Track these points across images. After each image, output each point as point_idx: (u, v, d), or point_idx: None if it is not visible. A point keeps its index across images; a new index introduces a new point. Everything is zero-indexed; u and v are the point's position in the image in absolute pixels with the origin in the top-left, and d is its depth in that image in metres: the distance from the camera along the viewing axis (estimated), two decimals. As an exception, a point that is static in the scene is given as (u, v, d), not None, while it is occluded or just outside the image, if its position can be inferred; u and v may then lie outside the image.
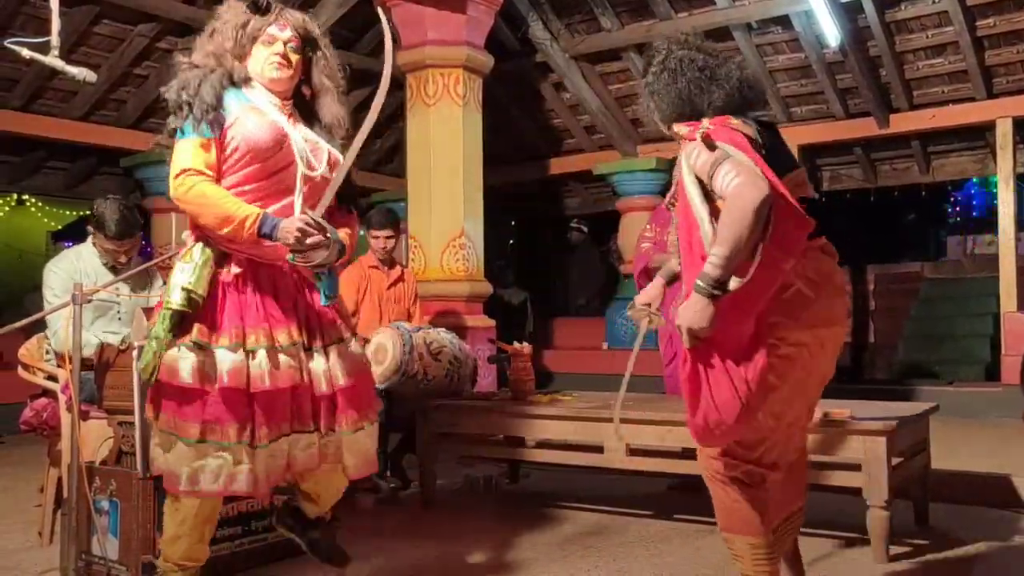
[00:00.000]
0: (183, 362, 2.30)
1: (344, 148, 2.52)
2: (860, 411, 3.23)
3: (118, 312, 3.59)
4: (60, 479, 3.26)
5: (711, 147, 2.16)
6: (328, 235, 2.31)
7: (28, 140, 7.82)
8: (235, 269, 2.42)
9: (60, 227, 12.02)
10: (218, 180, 2.38)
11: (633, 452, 3.62)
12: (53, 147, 8.24)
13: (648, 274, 4.56)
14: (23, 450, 5.74)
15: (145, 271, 3.63)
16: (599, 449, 3.71)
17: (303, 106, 2.59)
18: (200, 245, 2.41)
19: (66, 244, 10.19)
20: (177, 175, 2.36)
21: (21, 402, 3.61)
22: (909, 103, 7.88)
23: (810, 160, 8.62)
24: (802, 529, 3.38)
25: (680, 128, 2.33)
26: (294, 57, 2.51)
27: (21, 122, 7.27)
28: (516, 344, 4.30)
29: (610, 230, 10.22)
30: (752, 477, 2.32)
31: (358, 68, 8.38)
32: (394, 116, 9.34)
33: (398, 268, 4.84)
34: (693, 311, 2.11)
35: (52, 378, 3.44)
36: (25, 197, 11.04)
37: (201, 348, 2.32)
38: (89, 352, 3.18)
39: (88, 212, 3.71)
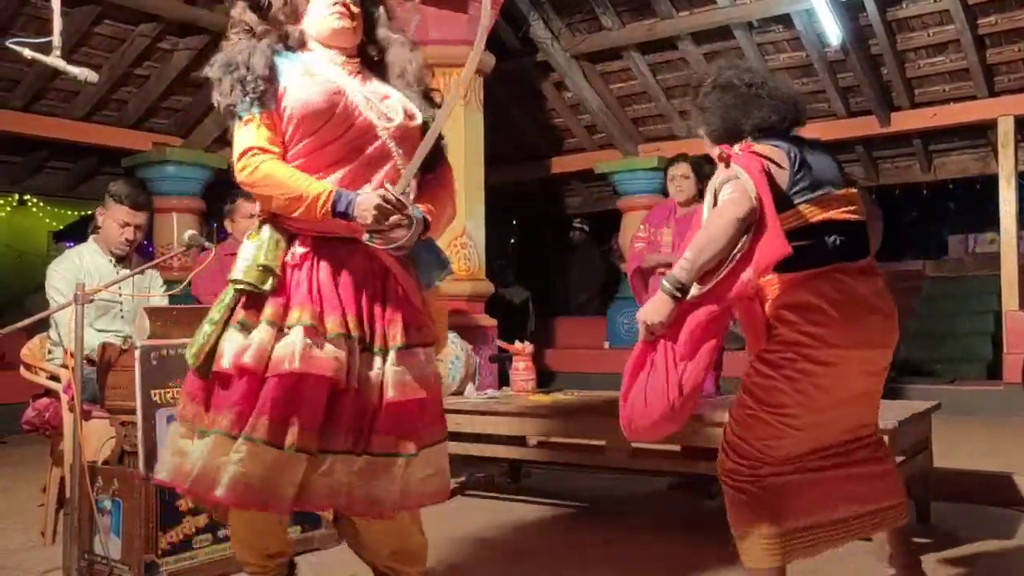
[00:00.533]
0: (226, 344, 2.09)
1: (427, 103, 2.31)
2: (862, 410, 3.22)
3: (120, 311, 3.60)
4: (62, 479, 3.27)
5: (727, 166, 2.31)
6: (408, 212, 2.07)
7: (30, 140, 7.82)
8: (299, 249, 2.17)
9: (61, 227, 12.03)
10: (284, 156, 2.15)
11: (635, 452, 3.62)
12: (55, 147, 8.25)
13: (642, 274, 4.55)
14: (25, 450, 5.75)
15: (145, 271, 3.64)
16: (600, 449, 3.71)
17: (373, 67, 2.33)
18: (268, 225, 2.20)
19: (67, 244, 10.20)
20: (239, 158, 2.13)
21: (23, 402, 3.62)
22: (910, 101, 7.87)
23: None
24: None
25: (713, 151, 2.48)
26: (355, 8, 2.25)
27: (23, 122, 7.28)
28: (517, 343, 4.31)
29: (611, 229, 10.23)
30: (759, 478, 2.34)
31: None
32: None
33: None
34: (653, 306, 2.28)
35: (54, 378, 3.44)
36: (27, 197, 11.05)
37: (247, 329, 2.10)
38: (90, 350, 3.19)
39: (89, 212, 3.72)
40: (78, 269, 3.52)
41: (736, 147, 2.39)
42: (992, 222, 8.51)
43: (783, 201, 2.32)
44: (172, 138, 8.05)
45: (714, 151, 2.47)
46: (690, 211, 4.46)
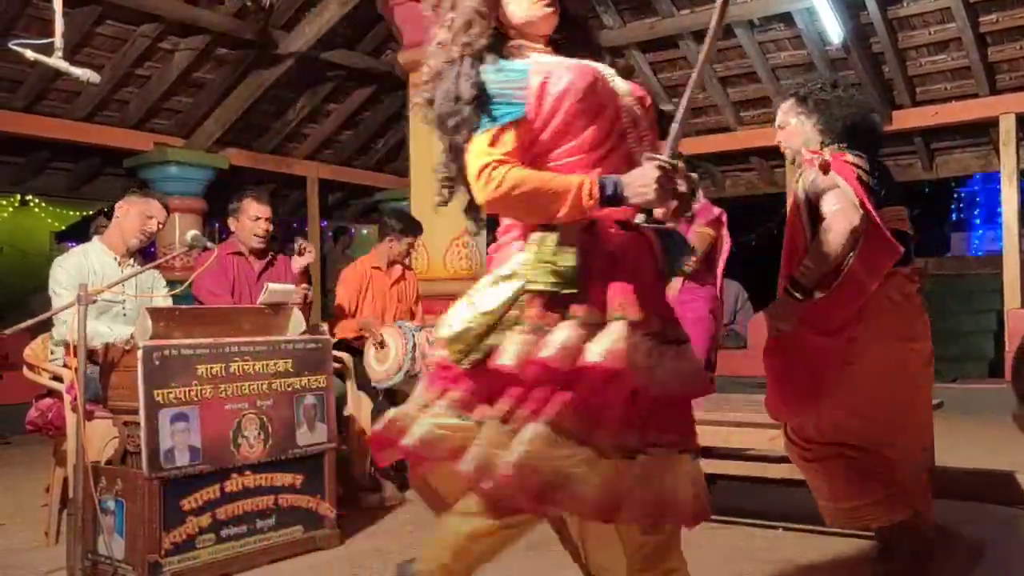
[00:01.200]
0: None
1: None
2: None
3: (123, 310, 3.60)
4: (66, 479, 3.27)
5: (826, 173, 2.60)
6: (689, 175, 1.82)
7: (32, 141, 7.83)
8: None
9: (64, 227, 12.03)
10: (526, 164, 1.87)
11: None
12: (57, 148, 8.26)
13: None
14: (29, 450, 5.76)
15: (147, 269, 3.66)
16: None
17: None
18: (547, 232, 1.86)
19: (70, 244, 10.20)
20: (477, 177, 1.84)
21: (27, 402, 3.63)
22: (912, 100, 7.87)
23: (813, 157, 8.60)
24: (806, 526, 3.41)
25: (805, 153, 2.78)
26: None
27: (25, 123, 7.29)
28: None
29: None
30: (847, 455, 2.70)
31: (360, 68, 8.43)
32: (396, 115, 9.36)
33: (398, 267, 4.83)
34: (778, 308, 2.64)
35: (57, 378, 3.45)
36: (29, 198, 11.06)
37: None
38: (97, 343, 3.19)
39: (91, 213, 3.75)
40: (82, 267, 3.53)
41: (827, 152, 2.68)
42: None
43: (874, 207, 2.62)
44: (173, 138, 8.05)
45: (805, 155, 2.76)
46: None
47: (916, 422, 2.82)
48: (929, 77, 7.71)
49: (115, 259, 3.65)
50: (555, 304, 1.82)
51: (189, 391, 2.92)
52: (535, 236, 1.87)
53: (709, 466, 3.55)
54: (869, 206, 2.55)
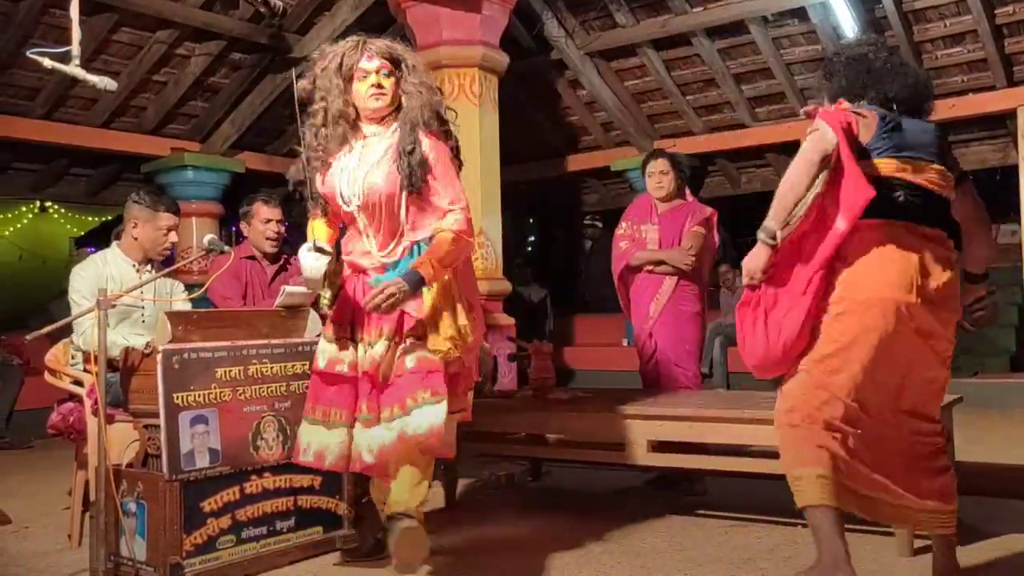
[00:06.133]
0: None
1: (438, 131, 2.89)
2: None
3: (142, 316, 3.63)
4: (87, 482, 3.30)
5: (811, 119, 2.48)
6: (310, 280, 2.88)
7: (51, 148, 7.91)
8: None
9: (83, 233, 12.12)
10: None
11: (655, 448, 3.62)
12: (75, 154, 8.33)
13: (627, 278, 4.46)
14: (51, 454, 5.82)
15: (164, 275, 3.69)
16: (620, 447, 3.71)
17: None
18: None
19: (89, 250, 10.28)
20: None
21: (48, 406, 3.66)
22: (928, 93, 7.80)
23: (829, 152, 8.55)
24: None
25: (809, 108, 2.65)
26: (387, 82, 2.82)
27: (43, 130, 7.36)
28: (536, 342, 4.31)
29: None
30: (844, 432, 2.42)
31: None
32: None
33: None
34: (751, 255, 2.50)
35: (78, 382, 3.48)
36: (48, 204, 11.15)
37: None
38: (115, 353, 3.22)
39: (110, 218, 3.81)
40: (101, 274, 3.57)
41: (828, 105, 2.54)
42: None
43: (860, 153, 2.44)
44: (190, 143, 8.11)
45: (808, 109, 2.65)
46: (673, 207, 4.40)
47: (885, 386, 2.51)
48: (945, 70, 7.65)
49: (134, 266, 3.68)
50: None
51: (208, 394, 2.94)
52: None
53: (733, 464, 3.55)
54: (843, 144, 2.38)
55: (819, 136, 2.38)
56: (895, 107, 2.56)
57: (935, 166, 2.51)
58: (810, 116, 2.51)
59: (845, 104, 2.53)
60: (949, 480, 2.56)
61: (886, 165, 2.45)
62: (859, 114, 2.48)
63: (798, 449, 2.42)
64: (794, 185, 2.39)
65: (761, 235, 2.46)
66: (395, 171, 2.78)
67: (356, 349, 2.87)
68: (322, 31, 7.22)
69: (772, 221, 2.44)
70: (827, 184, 2.39)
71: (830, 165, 2.38)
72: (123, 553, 2.96)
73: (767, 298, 2.52)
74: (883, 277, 2.39)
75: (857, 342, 2.39)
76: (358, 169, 2.83)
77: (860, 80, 2.59)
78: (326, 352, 2.88)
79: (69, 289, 3.57)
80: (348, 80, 2.83)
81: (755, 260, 2.48)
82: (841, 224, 2.37)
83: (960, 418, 3.68)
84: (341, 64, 2.82)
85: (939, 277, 2.43)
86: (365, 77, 2.80)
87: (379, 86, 2.80)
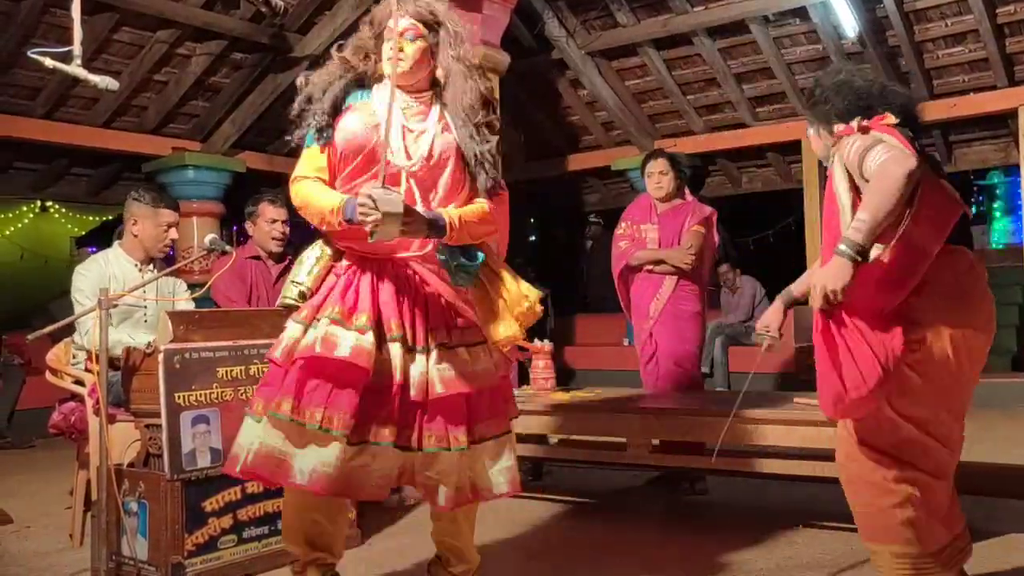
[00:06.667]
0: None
1: (477, 135, 2.45)
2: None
3: (144, 315, 3.64)
4: (89, 481, 3.30)
5: (865, 133, 2.25)
6: (379, 203, 2.14)
7: (51, 147, 7.90)
8: (344, 263, 2.44)
9: (84, 233, 12.13)
10: (331, 183, 2.41)
11: (656, 449, 3.62)
12: (76, 154, 8.33)
13: (627, 277, 4.46)
14: (53, 453, 5.82)
15: (166, 274, 3.69)
16: (621, 446, 3.71)
17: (443, 94, 2.49)
18: (318, 243, 2.48)
19: (90, 249, 10.28)
20: (291, 184, 2.43)
21: (50, 406, 3.66)
22: (929, 92, 7.81)
23: (830, 152, 8.55)
24: (827, 523, 3.39)
25: (839, 126, 2.37)
26: (410, 48, 2.39)
27: (44, 130, 7.35)
28: (537, 342, 4.31)
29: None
30: (917, 482, 2.26)
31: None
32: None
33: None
34: (830, 271, 2.13)
35: (79, 382, 3.49)
36: (49, 204, 11.16)
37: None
38: (119, 352, 3.23)
39: (111, 218, 3.80)
40: (104, 274, 3.58)
41: (861, 121, 2.32)
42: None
43: None
44: (191, 143, 8.11)
45: (839, 128, 2.36)
46: (673, 206, 4.40)
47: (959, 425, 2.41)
48: (946, 69, 7.65)
49: (136, 265, 3.69)
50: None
51: (210, 393, 2.94)
52: (304, 254, 2.48)
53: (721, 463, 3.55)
54: (920, 158, 2.17)
55: (898, 150, 2.15)
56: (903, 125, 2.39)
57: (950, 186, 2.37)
58: (862, 129, 2.27)
59: (890, 119, 2.30)
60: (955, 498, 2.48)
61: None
62: (905, 135, 2.27)
63: (875, 521, 2.28)
64: (892, 199, 2.09)
65: (845, 248, 2.11)
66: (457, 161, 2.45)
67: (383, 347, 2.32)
68: (323, 31, 7.22)
69: (862, 235, 2.10)
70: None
71: (919, 178, 2.15)
72: (125, 553, 2.96)
73: (856, 325, 2.22)
74: (954, 313, 2.23)
75: (936, 382, 2.24)
76: (409, 124, 2.43)
77: (862, 97, 2.41)
78: (350, 340, 2.28)
79: (72, 288, 3.57)
80: (378, 37, 2.48)
81: (839, 278, 2.10)
82: (933, 246, 2.17)
83: (961, 418, 3.68)
84: (372, 19, 2.50)
85: (989, 299, 2.33)
86: (390, 37, 2.40)
87: (400, 50, 2.37)
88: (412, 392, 2.28)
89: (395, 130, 2.37)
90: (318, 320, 2.33)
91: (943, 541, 2.32)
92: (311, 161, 2.41)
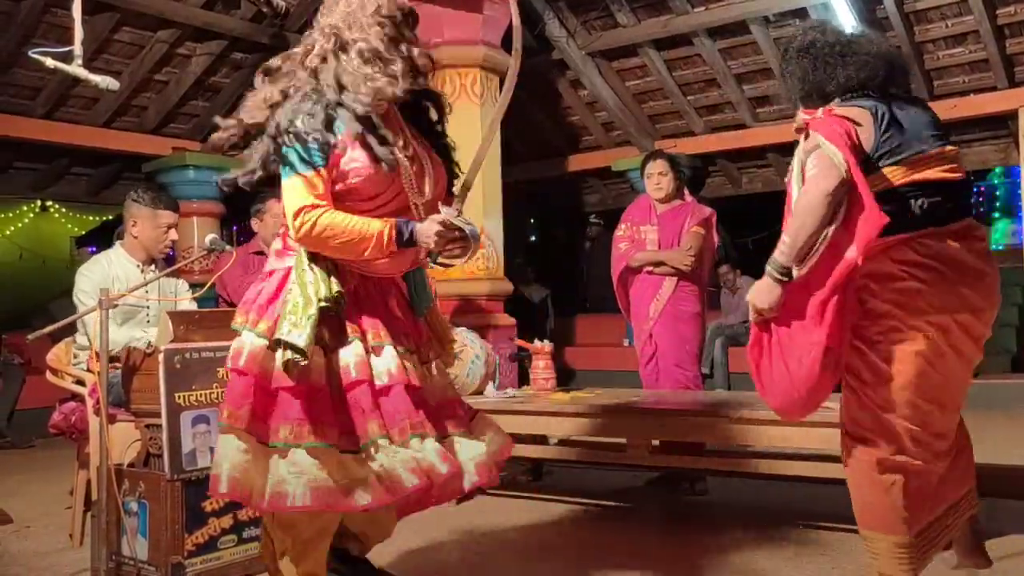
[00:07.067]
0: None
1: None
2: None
3: (147, 316, 3.64)
4: (89, 481, 3.30)
5: (802, 134, 2.27)
6: (466, 230, 2.21)
7: (52, 147, 7.91)
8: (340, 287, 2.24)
9: (83, 233, 12.14)
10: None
11: (655, 450, 3.63)
12: (76, 154, 8.34)
13: (627, 279, 4.45)
14: (53, 453, 5.83)
15: (168, 275, 3.70)
16: (621, 446, 3.71)
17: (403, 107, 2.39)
18: (311, 264, 2.22)
19: (90, 249, 10.29)
20: (295, 216, 2.17)
21: (50, 406, 3.67)
22: (929, 93, 7.81)
23: (830, 152, 8.55)
24: (826, 523, 3.39)
25: (799, 117, 2.37)
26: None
27: (45, 130, 7.36)
28: (537, 342, 4.31)
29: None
30: (907, 469, 2.26)
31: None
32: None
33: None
34: (760, 291, 2.27)
35: (80, 382, 3.49)
36: (49, 203, 11.16)
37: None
38: (119, 349, 3.23)
39: (111, 218, 3.81)
40: (107, 274, 3.58)
41: (819, 112, 2.30)
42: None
43: (867, 165, 2.22)
44: (191, 142, 8.11)
45: (798, 121, 2.36)
46: (672, 207, 4.40)
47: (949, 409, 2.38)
48: (947, 70, 7.65)
49: (137, 266, 3.69)
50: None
51: (210, 393, 2.94)
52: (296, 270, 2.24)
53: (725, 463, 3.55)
54: (853, 165, 2.13)
55: (827, 162, 2.14)
56: (869, 92, 2.33)
57: (945, 149, 2.29)
58: (801, 131, 2.28)
59: (840, 109, 2.28)
60: (970, 455, 2.47)
61: (895, 173, 2.23)
62: (853, 122, 2.24)
63: (875, 508, 2.28)
64: (812, 221, 2.15)
65: (771, 269, 2.23)
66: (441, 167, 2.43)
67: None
68: (323, 31, 7.22)
69: (784, 256, 2.20)
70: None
71: (845, 192, 2.15)
72: (125, 552, 2.96)
73: (781, 334, 2.30)
74: (925, 300, 2.21)
75: (909, 370, 2.22)
76: (407, 153, 2.33)
77: (813, 74, 2.36)
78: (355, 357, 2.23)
79: (75, 289, 3.58)
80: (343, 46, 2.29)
81: (767, 296, 2.25)
82: (852, 252, 2.16)
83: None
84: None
85: (978, 276, 2.27)
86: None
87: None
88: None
89: (405, 170, 2.27)
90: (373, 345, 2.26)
91: (929, 517, 2.32)
92: (312, 190, 2.17)
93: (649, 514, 3.91)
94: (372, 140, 2.20)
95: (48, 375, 3.64)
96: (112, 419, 3.01)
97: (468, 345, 4.33)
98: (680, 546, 3.33)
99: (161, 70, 7.41)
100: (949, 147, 2.31)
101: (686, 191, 4.51)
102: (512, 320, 6.60)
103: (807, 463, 3.32)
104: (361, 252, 2.19)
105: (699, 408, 3.53)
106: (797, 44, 2.44)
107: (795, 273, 2.22)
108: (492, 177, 6.65)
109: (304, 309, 2.14)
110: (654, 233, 4.36)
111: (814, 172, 2.17)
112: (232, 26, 7.10)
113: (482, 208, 6.50)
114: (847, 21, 6.99)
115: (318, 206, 2.17)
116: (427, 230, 2.19)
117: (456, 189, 2.42)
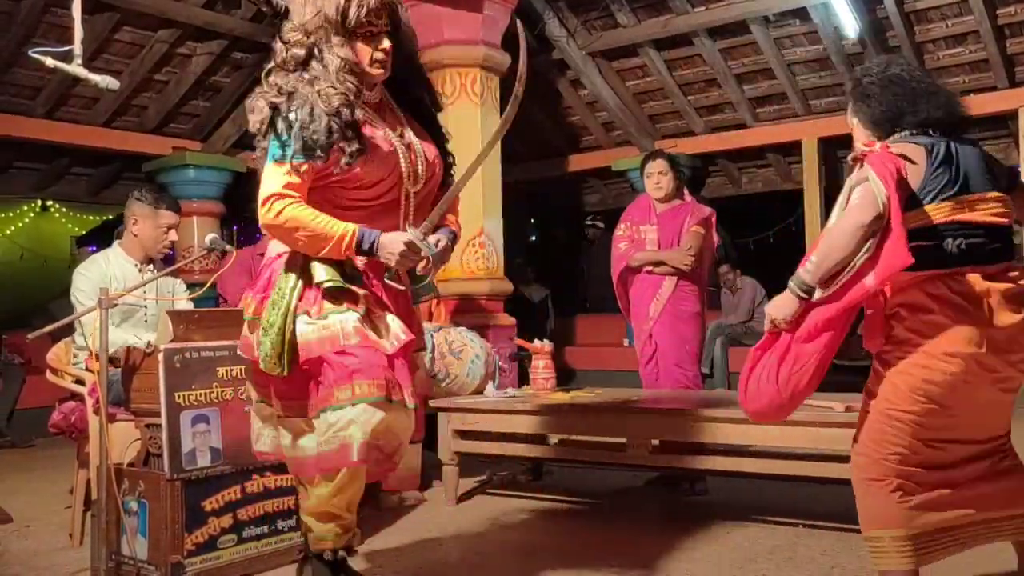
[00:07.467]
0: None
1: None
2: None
3: (145, 315, 3.65)
4: (89, 481, 3.31)
5: (856, 164, 2.34)
6: (427, 255, 2.28)
7: (52, 147, 7.92)
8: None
9: (84, 232, 12.14)
10: (304, 200, 2.29)
11: (655, 450, 3.62)
12: (76, 153, 8.34)
13: (627, 279, 4.45)
14: (53, 452, 5.83)
15: (166, 274, 3.70)
16: (621, 446, 3.71)
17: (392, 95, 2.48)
18: (288, 275, 2.35)
19: (90, 249, 10.28)
20: (264, 202, 2.26)
21: (50, 405, 3.67)
22: (930, 93, 7.81)
23: (831, 153, 8.57)
24: (826, 523, 3.39)
25: (858, 147, 2.47)
26: (388, 56, 2.39)
27: (45, 129, 7.37)
28: (537, 342, 4.31)
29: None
30: (913, 480, 2.30)
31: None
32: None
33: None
34: (778, 303, 2.37)
35: (80, 381, 3.49)
36: (49, 203, 11.16)
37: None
38: (117, 349, 3.23)
39: (112, 217, 3.82)
40: (105, 274, 3.58)
41: (877, 145, 2.38)
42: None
43: (911, 200, 2.29)
44: (192, 142, 8.12)
45: (861, 139, 2.49)
46: (672, 207, 4.39)
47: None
48: (947, 70, 7.64)
49: (136, 265, 3.69)
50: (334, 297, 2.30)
51: (209, 393, 2.95)
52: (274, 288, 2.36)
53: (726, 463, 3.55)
54: (895, 204, 2.21)
55: (871, 197, 2.22)
56: (932, 131, 2.41)
57: (993, 194, 2.34)
58: (857, 161, 2.34)
59: (897, 146, 2.35)
60: (1019, 481, 2.45)
61: (939, 211, 2.29)
62: (908, 159, 2.31)
63: (875, 509, 2.31)
64: (843, 247, 2.23)
65: (793, 285, 2.33)
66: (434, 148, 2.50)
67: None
68: (324, 31, 7.22)
69: (809, 275, 2.29)
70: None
71: (879, 230, 2.22)
72: (124, 552, 2.97)
73: (785, 342, 2.39)
74: (947, 336, 2.24)
75: (919, 398, 2.26)
76: (403, 140, 2.42)
77: (899, 104, 2.43)
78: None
79: (72, 288, 3.58)
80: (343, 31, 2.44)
81: (783, 309, 2.35)
82: (871, 280, 2.23)
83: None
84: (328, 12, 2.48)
85: (1008, 319, 2.28)
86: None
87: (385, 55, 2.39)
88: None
89: (401, 154, 2.36)
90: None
91: (930, 527, 2.32)
92: (290, 179, 2.25)
93: (649, 514, 3.91)
94: (365, 131, 2.28)
95: (48, 374, 3.64)
96: (112, 418, 3.01)
97: (468, 345, 4.33)
98: (679, 546, 3.33)
99: (161, 70, 7.41)
100: (999, 192, 2.37)
101: (686, 191, 4.50)
102: (512, 320, 6.61)
103: (807, 463, 3.32)
104: (319, 250, 2.27)
105: (699, 408, 3.53)
106: (887, 74, 2.49)
107: (816, 295, 2.31)
108: (492, 177, 6.65)
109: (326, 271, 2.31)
110: (654, 233, 4.36)
111: (857, 202, 2.26)
112: (232, 26, 7.10)
113: (482, 208, 6.50)
114: (847, 21, 6.99)
115: (287, 196, 2.24)
116: (391, 246, 2.25)
117: (431, 215, 2.40)
